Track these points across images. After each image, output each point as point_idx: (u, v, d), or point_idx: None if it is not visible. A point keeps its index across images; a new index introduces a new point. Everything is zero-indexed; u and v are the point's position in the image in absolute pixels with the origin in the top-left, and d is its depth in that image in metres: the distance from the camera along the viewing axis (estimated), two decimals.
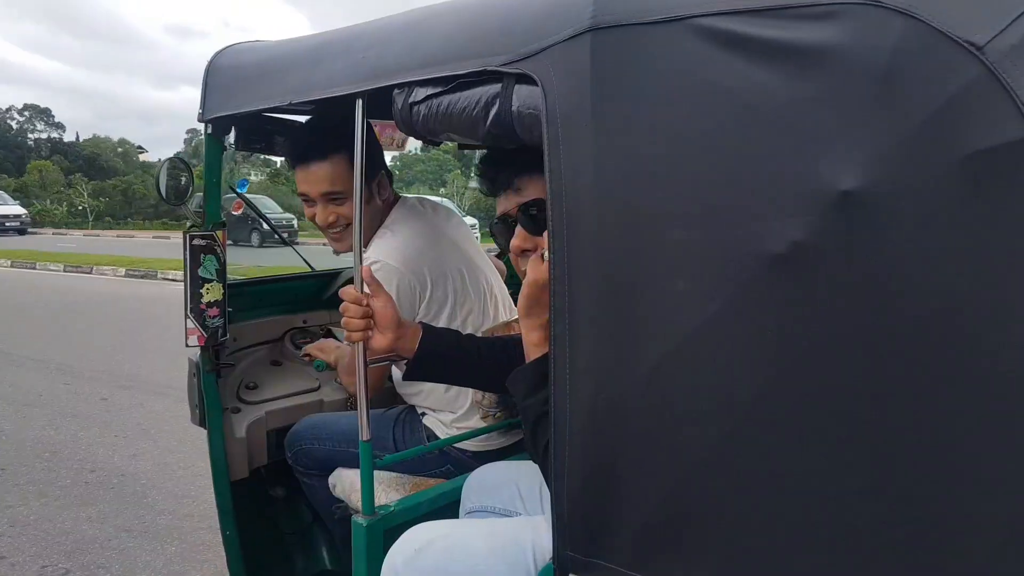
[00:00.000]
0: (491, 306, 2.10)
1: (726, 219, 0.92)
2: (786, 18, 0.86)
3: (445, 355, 1.63)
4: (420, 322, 1.66)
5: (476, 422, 2.01)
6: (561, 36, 1.08)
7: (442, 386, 2.00)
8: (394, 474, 2.07)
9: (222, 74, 1.99)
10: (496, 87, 1.18)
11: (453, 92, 1.25)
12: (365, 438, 1.59)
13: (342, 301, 2.83)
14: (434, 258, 1.96)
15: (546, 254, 1.21)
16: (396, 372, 2.05)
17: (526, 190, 1.33)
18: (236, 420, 2.40)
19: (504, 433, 2.03)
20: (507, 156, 1.31)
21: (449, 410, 2.03)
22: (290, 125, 2.22)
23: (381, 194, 2.05)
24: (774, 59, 0.87)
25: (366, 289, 1.54)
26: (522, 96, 1.14)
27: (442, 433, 2.03)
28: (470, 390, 1.98)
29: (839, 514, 0.88)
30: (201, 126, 2.02)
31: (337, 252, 2.08)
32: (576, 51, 1.05)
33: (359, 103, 1.50)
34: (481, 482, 1.69)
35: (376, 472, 2.14)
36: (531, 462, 1.75)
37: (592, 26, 1.03)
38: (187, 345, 2.14)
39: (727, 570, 0.97)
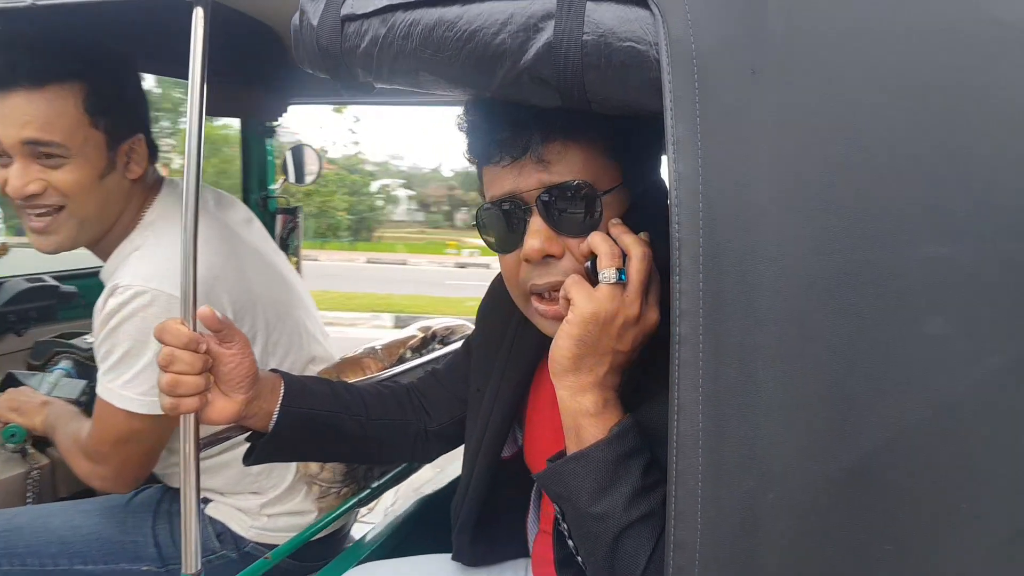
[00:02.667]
0: (308, 338, 1.52)
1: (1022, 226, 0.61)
2: None
3: (317, 420, 1.07)
4: (276, 371, 1.07)
5: (301, 504, 1.42)
6: None
7: (236, 458, 1.38)
8: None
9: None
10: (544, 2, 0.73)
11: (447, 4, 0.76)
12: (191, 570, 0.97)
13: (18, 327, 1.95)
14: (235, 277, 1.33)
15: (606, 273, 0.79)
16: None
17: (557, 164, 0.85)
18: None
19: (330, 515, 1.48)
20: (532, 108, 0.82)
21: (253, 491, 1.41)
22: None
23: (131, 168, 1.32)
24: None
25: (202, 327, 0.93)
26: (606, 20, 0.71)
27: (243, 527, 1.39)
28: None
29: None
30: None
31: (44, 249, 1.30)
32: None
33: (198, 13, 0.90)
34: None
35: None
36: (428, 556, 1.26)
37: None
38: None
39: None
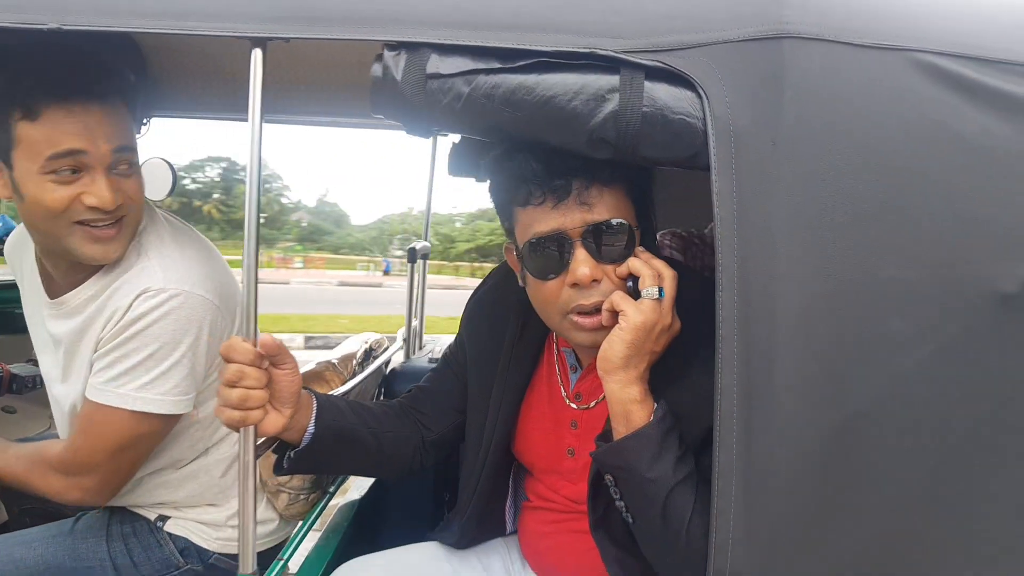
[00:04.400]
0: None
1: (948, 258, 0.92)
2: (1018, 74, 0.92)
3: (344, 433, 1.17)
4: (305, 387, 1.14)
5: (263, 513, 1.46)
6: (734, 34, 0.91)
7: (206, 468, 1.39)
8: None
9: None
10: (610, 78, 0.92)
11: (526, 72, 0.92)
12: (248, 570, 1.03)
13: None
14: (228, 281, 1.37)
15: (651, 290, 1.00)
16: None
17: (597, 205, 1.02)
18: None
19: (288, 523, 1.52)
20: (575, 157, 0.98)
21: (212, 503, 1.42)
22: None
23: None
24: (1010, 110, 0.91)
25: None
26: (661, 96, 0.92)
27: (207, 540, 1.40)
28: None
29: None
30: None
31: (108, 259, 1.26)
32: (760, 56, 0.91)
33: (256, 55, 0.98)
34: None
35: None
36: (412, 546, 1.37)
37: (786, 33, 0.90)
38: None
39: None
